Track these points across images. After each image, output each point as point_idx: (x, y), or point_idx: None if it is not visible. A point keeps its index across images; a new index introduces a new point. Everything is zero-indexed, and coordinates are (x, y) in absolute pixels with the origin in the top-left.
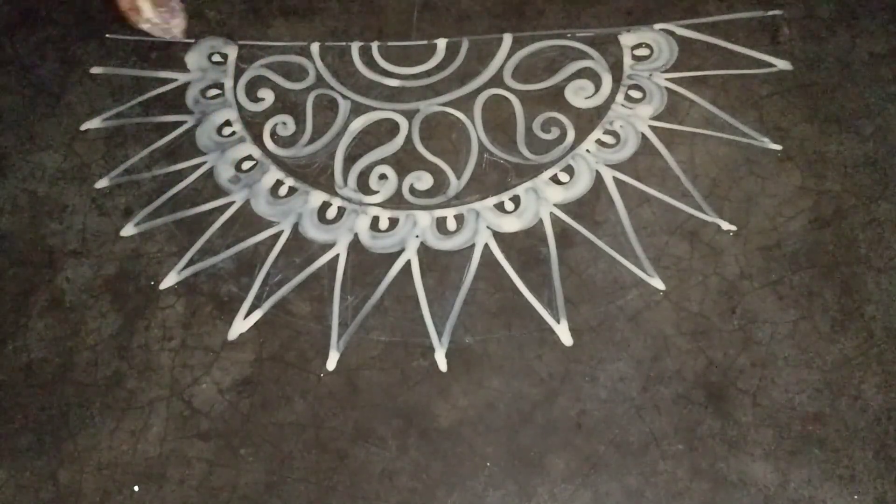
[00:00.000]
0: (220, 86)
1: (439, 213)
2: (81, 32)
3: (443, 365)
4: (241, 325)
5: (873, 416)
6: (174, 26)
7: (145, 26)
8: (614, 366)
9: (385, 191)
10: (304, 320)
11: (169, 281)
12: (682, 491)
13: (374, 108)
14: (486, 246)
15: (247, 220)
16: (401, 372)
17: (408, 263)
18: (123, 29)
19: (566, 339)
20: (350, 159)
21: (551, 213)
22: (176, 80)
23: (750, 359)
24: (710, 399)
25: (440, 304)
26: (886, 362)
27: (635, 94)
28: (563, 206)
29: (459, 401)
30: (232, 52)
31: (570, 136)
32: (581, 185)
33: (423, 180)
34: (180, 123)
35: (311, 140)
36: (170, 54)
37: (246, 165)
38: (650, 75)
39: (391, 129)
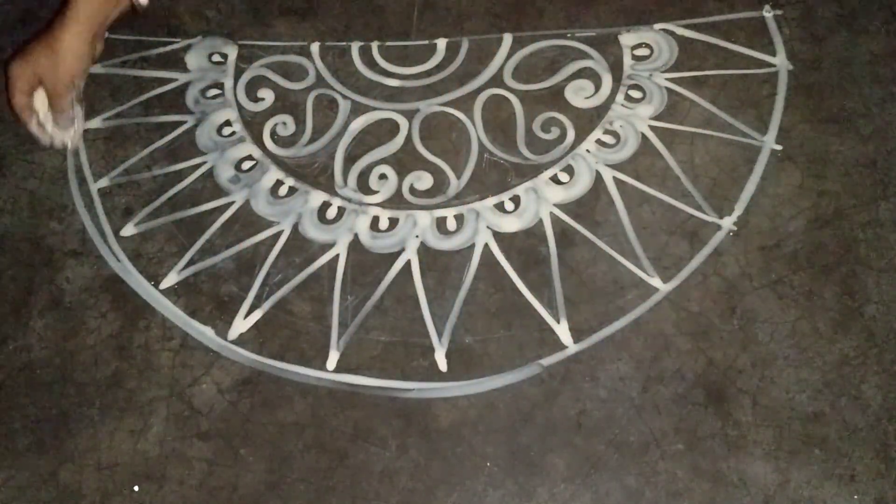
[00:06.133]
0: (220, 86)
1: (439, 212)
2: None
3: (443, 365)
4: (241, 325)
5: (873, 416)
6: (67, 136)
7: (35, 130)
8: (614, 366)
9: (385, 191)
10: (304, 320)
11: (169, 281)
12: (682, 491)
13: (374, 108)
14: (486, 246)
15: (247, 220)
16: (401, 372)
17: (408, 263)
18: (123, 29)
19: (566, 338)
20: (350, 159)
21: (551, 213)
22: (176, 80)
23: (750, 359)
24: (710, 399)
25: (440, 304)
26: (886, 362)
27: (635, 94)
28: (563, 206)
29: (459, 401)
30: (232, 52)
31: (570, 136)
32: (581, 185)
33: (423, 180)
34: (180, 123)
35: (312, 140)
36: (170, 54)
37: (246, 165)
38: (650, 75)
39: (391, 129)
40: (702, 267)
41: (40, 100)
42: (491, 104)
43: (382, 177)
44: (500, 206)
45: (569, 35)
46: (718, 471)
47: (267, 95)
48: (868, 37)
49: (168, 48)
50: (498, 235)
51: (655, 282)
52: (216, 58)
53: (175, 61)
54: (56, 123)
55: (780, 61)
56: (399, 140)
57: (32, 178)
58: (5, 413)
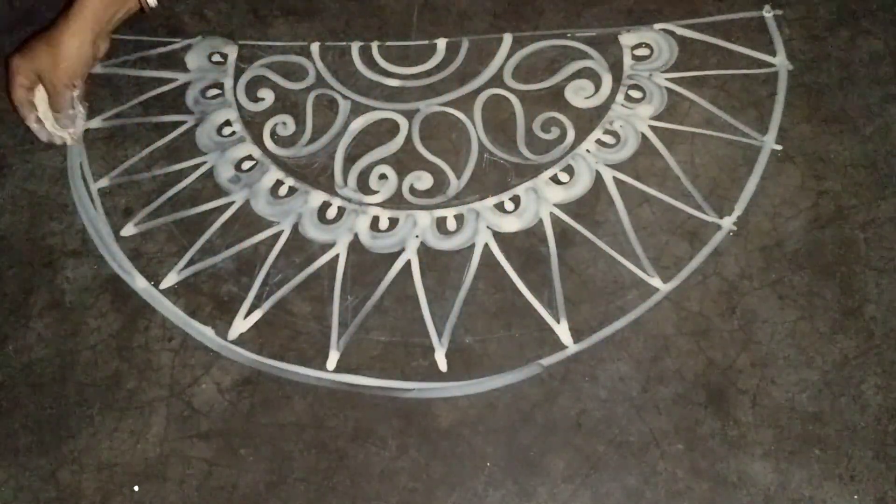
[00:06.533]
0: (220, 86)
1: (439, 212)
2: None
3: (443, 365)
4: (241, 324)
5: (873, 416)
6: (66, 134)
7: (34, 126)
8: (614, 366)
9: (385, 191)
10: (304, 320)
11: (169, 281)
12: (682, 491)
13: (374, 108)
14: (486, 246)
15: (247, 220)
16: (401, 372)
17: (408, 263)
18: (123, 29)
19: (566, 338)
20: (350, 159)
21: (551, 213)
22: (176, 80)
23: (750, 359)
24: (710, 399)
25: (440, 304)
26: (886, 362)
27: (635, 94)
28: (563, 206)
29: (459, 401)
30: (232, 52)
31: (570, 136)
32: (581, 185)
33: (423, 180)
34: (180, 123)
35: (311, 140)
36: (170, 54)
37: (246, 165)
38: (650, 75)
39: (391, 128)
40: (702, 267)
41: (40, 96)
42: (491, 104)
43: (382, 177)
44: (500, 206)
45: (569, 35)
46: (718, 471)
47: (267, 95)
48: (868, 37)
49: (168, 48)
50: (498, 235)
51: (655, 282)
52: (216, 58)
53: (175, 61)
54: (56, 121)
55: (780, 61)
56: (399, 140)
57: (32, 178)
58: (5, 413)
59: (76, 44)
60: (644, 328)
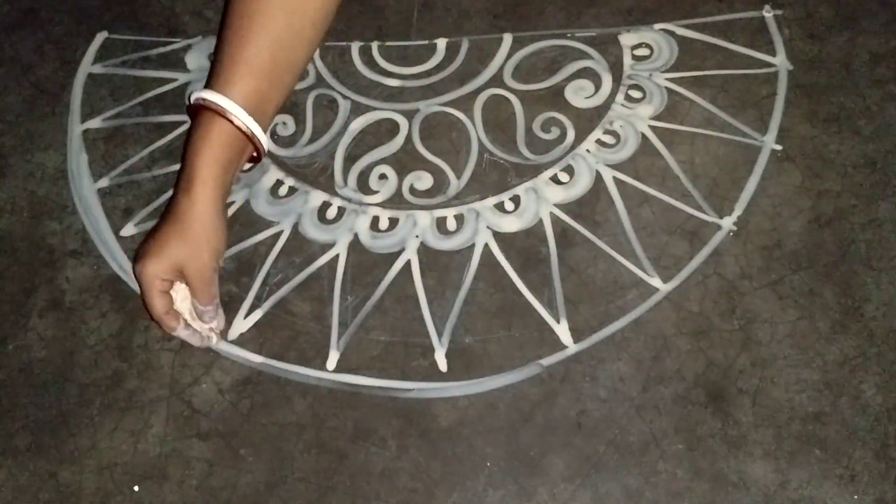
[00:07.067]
0: None
1: (439, 212)
2: (81, 32)
3: (443, 365)
4: (241, 324)
5: (873, 416)
6: (215, 327)
7: (183, 333)
8: (614, 366)
9: (385, 191)
10: (304, 320)
11: None
12: (682, 491)
13: (374, 108)
14: (486, 246)
15: (247, 220)
16: (401, 372)
17: (408, 263)
18: (124, 29)
19: (566, 338)
20: (350, 159)
21: (551, 213)
22: (176, 80)
23: (750, 359)
24: (710, 399)
25: (440, 304)
26: (886, 362)
27: (635, 94)
28: (563, 206)
29: (459, 401)
30: None
31: (570, 136)
32: (581, 185)
33: (423, 180)
34: (180, 123)
35: (311, 140)
36: (170, 54)
37: (246, 165)
38: (650, 75)
39: (391, 129)
40: (702, 267)
41: (181, 296)
42: (491, 104)
43: (382, 177)
44: (500, 206)
45: (569, 35)
46: (718, 471)
47: None
48: (868, 37)
49: (168, 48)
50: (498, 235)
51: (655, 282)
52: None
53: (175, 61)
54: (201, 317)
55: (780, 61)
56: (399, 140)
57: (32, 178)
58: (5, 413)
59: (210, 215)
60: (644, 328)
